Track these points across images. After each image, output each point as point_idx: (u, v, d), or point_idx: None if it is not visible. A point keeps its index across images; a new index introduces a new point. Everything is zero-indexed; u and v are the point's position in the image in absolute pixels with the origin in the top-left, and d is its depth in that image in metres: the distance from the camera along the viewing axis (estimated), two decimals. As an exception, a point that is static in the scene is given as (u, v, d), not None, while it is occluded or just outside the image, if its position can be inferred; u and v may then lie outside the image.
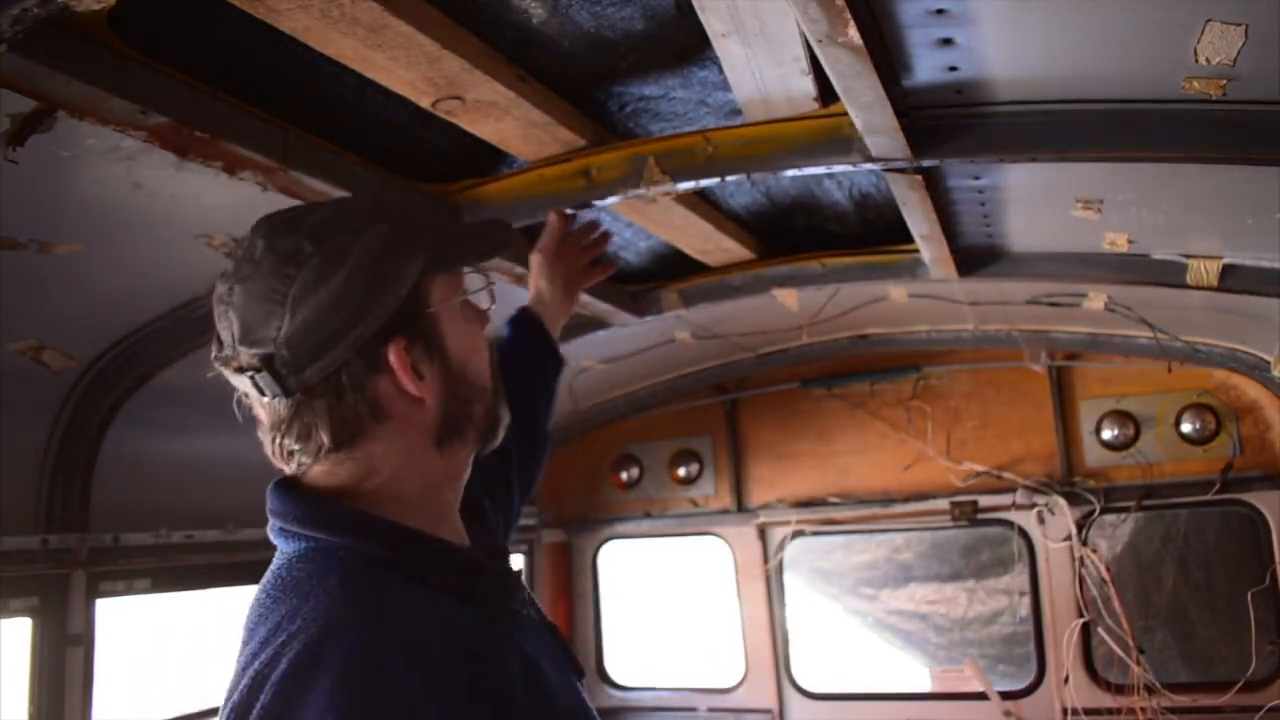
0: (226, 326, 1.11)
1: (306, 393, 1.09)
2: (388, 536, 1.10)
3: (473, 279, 1.29)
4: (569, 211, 2.09)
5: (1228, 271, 2.38)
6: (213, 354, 1.14)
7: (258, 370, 1.08)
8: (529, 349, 1.89)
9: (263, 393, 1.10)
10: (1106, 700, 3.54)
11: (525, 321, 1.93)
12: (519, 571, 1.30)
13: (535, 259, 2.01)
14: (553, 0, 1.54)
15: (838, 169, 1.92)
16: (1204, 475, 3.53)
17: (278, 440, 1.13)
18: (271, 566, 1.13)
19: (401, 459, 1.15)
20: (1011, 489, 3.78)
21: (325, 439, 1.11)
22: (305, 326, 1.07)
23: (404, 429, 1.14)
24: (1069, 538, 3.64)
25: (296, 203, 1.82)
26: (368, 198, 1.24)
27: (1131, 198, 2.08)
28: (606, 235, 2.15)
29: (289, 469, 1.16)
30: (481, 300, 1.28)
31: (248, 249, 1.12)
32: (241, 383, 1.12)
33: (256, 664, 0.99)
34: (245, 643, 1.06)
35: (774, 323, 3.49)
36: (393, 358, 1.10)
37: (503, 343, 1.88)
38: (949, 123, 1.77)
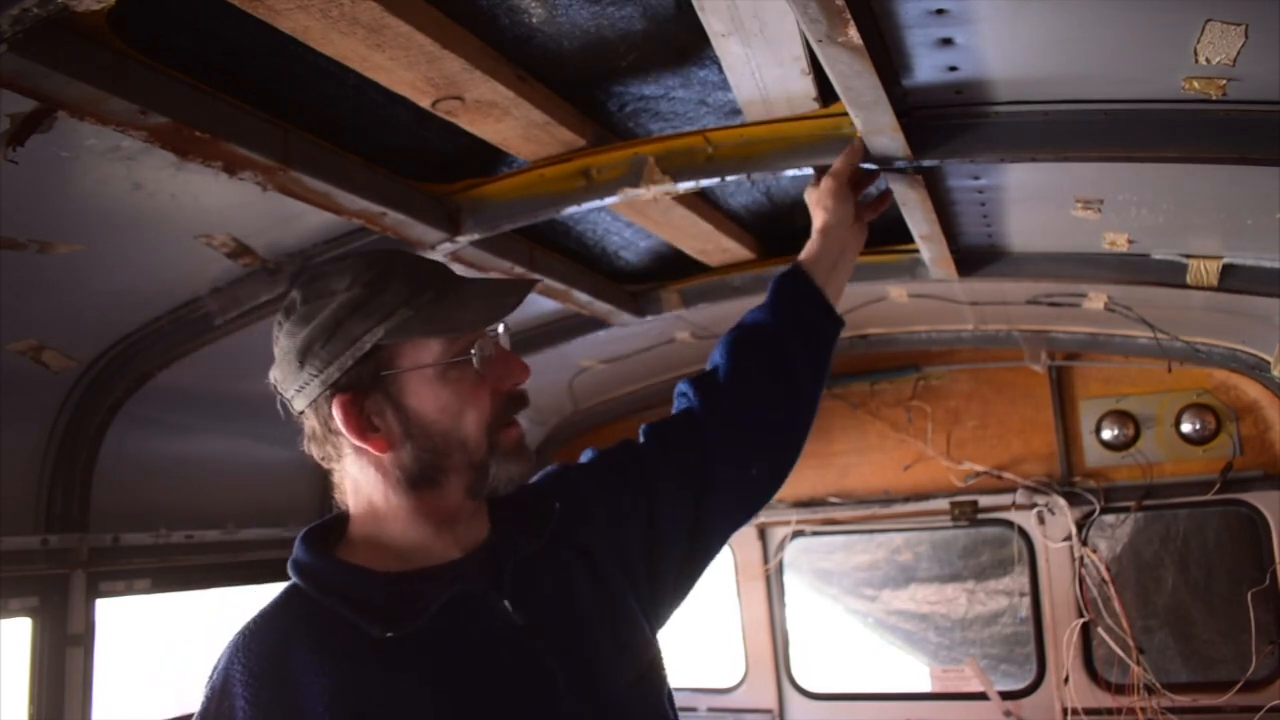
0: None
1: (301, 415, 1.31)
2: (312, 560, 1.29)
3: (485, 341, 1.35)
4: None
5: (1228, 271, 2.37)
6: None
7: (277, 394, 1.33)
8: (790, 312, 1.74)
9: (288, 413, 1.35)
10: (1106, 700, 3.54)
11: (789, 280, 1.77)
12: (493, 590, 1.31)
13: (826, 181, 1.82)
14: (552, 0, 1.54)
15: (838, 169, 1.92)
16: (1204, 475, 3.52)
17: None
18: None
19: (372, 490, 1.31)
20: (1011, 489, 3.78)
21: (316, 454, 1.33)
22: (282, 366, 1.29)
23: (366, 466, 1.30)
24: (1069, 538, 3.64)
25: (296, 203, 1.82)
26: (376, 261, 1.30)
27: (1131, 198, 2.08)
28: (887, 197, 1.97)
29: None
30: (477, 359, 1.32)
31: (287, 290, 1.35)
32: None
33: None
34: None
35: (774, 323, 3.48)
36: (336, 411, 1.25)
37: (758, 310, 1.77)
38: (949, 123, 1.76)
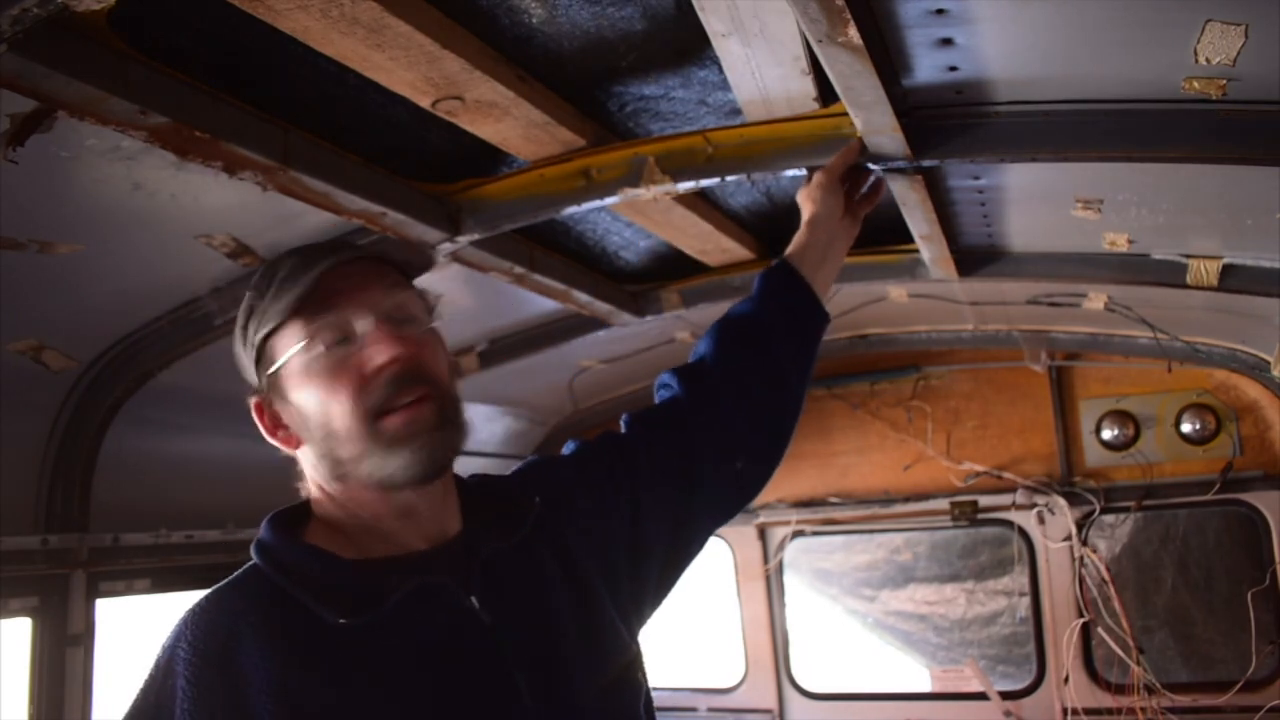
0: None
1: None
2: (269, 538, 1.27)
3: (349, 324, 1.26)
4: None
5: (1228, 271, 2.37)
6: None
7: None
8: (776, 305, 1.73)
9: None
10: (1106, 700, 3.54)
11: (776, 273, 1.76)
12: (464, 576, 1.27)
13: (817, 176, 1.83)
14: (553, 0, 1.54)
15: (838, 169, 1.92)
16: (1204, 475, 3.52)
17: None
18: None
19: (312, 478, 1.31)
20: (1011, 489, 3.78)
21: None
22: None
23: (302, 459, 1.31)
24: (1069, 538, 3.64)
25: (296, 203, 1.82)
26: (273, 261, 1.32)
27: (1131, 198, 2.08)
28: (880, 186, 1.95)
29: None
30: (322, 344, 1.24)
31: None
32: None
33: None
34: None
35: (774, 323, 3.48)
36: (253, 413, 1.30)
37: (745, 303, 1.76)
38: (949, 123, 1.76)
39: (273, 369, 1.26)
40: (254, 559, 1.25)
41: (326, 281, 1.25)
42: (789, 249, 1.81)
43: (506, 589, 1.30)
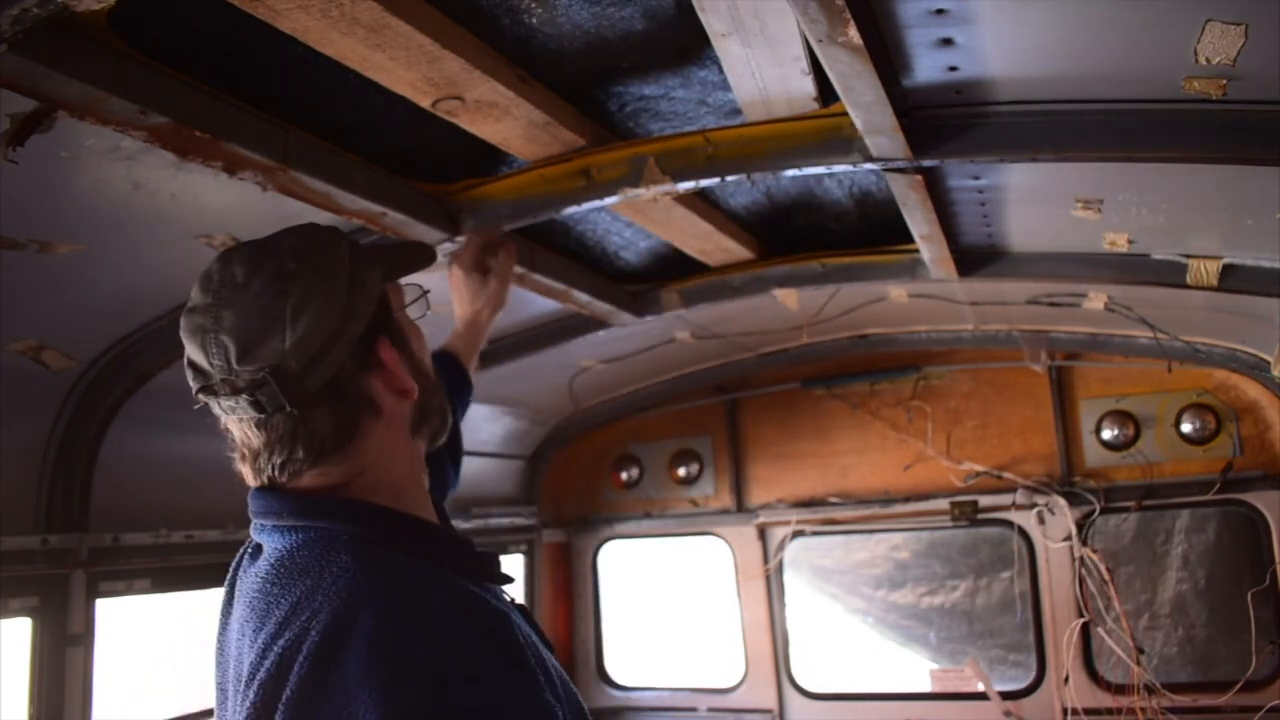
0: (218, 352, 1.14)
1: (306, 401, 1.15)
2: (389, 520, 1.18)
3: (409, 290, 1.38)
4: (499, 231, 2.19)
5: (1228, 271, 2.38)
6: (195, 387, 1.17)
7: (261, 385, 1.13)
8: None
9: (263, 410, 1.14)
10: (1106, 700, 3.54)
11: (442, 357, 2.02)
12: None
13: (455, 271, 2.14)
14: (552, 0, 1.54)
15: (838, 169, 1.92)
16: (1204, 475, 3.53)
17: (269, 458, 1.18)
18: (265, 560, 1.16)
19: (389, 451, 1.23)
20: (1011, 489, 3.78)
21: (328, 443, 1.17)
22: (307, 335, 1.13)
23: (391, 423, 1.23)
24: (1069, 538, 3.64)
25: (296, 203, 1.82)
26: (314, 225, 1.30)
27: (1131, 198, 2.08)
28: (510, 244, 2.24)
29: (279, 480, 1.19)
30: (415, 311, 1.37)
31: (224, 277, 1.17)
32: (236, 406, 1.15)
33: (281, 642, 1.03)
34: (257, 629, 1.09)
35: (774, 323, 3.49)
36: (384, 355, 1.21)
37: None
38: (949, 123, 1.77)
39: (395, 313, 1.27)
40: (373, 540, 1.13)
41: None
42: (449, 344, 2.10)
43: None
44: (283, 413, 1.14)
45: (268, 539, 1.18)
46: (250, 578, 1.17)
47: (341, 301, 1.17)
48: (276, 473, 1.18)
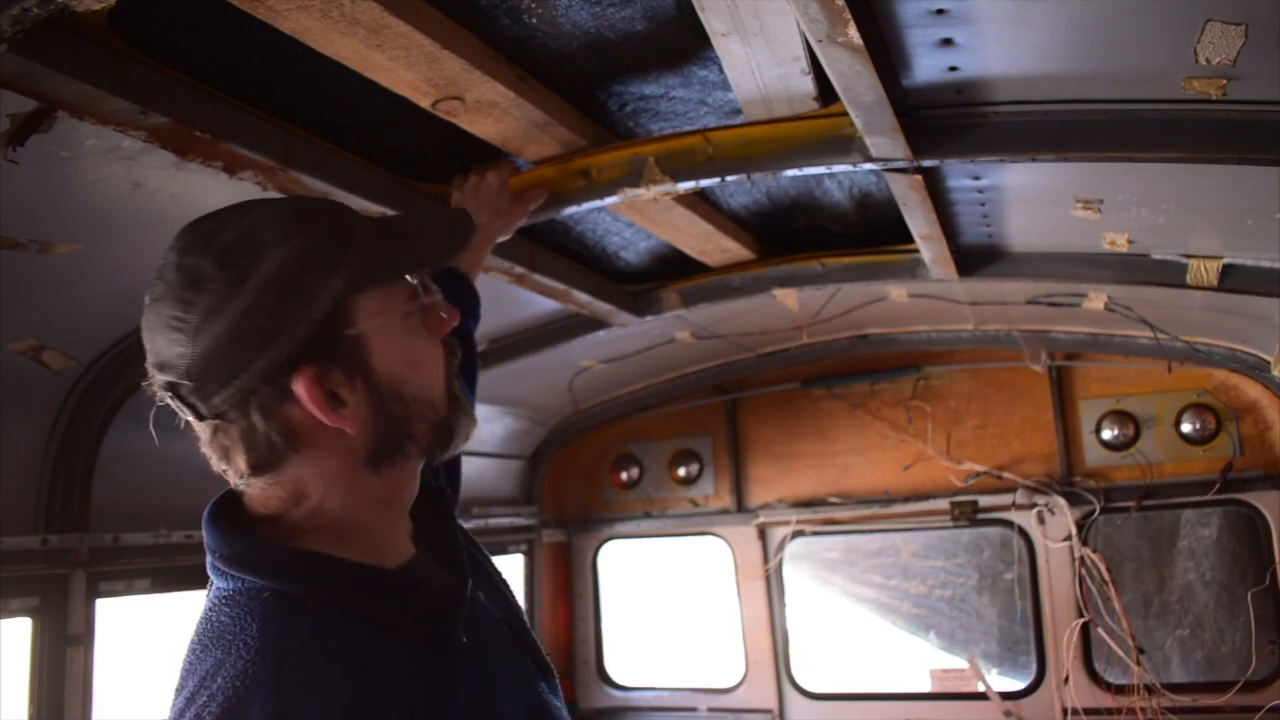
0: (148, 347, 1.07)
1: (219, 418, 1.05)
2: (320, 571, 1.06)
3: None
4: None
5: (1228, 271, 2.38)
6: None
7: (169, 395, 1.06)
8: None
9: (182, 414, 1.08)
10: (1106, 700, 3.54)
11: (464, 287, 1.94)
12: (467, 579, 1.20)
13: (489, 183, 2.03)
14: (552, 0, 1.54)
15: (838, 169, 1.92)
16: (1204, 475, 3.53)
17: (216, 461, 1.10)
18: (204, 606, 1.09)
19: (329, 484, 1.09)
20: (1011, 489, 3.78)
21: (243, 465, 1.06)
22: (207, 354, 1.01)
23: (327, 455, 1.08)
24: (1069, 538, 3.64)
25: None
26: (295, 207, 1.12)
27: (1131, 198, 2.08)
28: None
29: (237, 485, 1.11)
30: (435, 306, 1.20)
31: (162, 265, 1.06)
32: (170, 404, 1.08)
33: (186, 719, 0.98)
34: (179, 690, 1.03)
35: (774, 323, 3.49)
36: (299, 389, 1.02)
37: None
38: (949, 123, 1.77)
39: (352, 330, 1.06)
40: (294, 601, 1.04)
41: None
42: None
43: (481, 579, 1.28)
44: (201, 420, 1.06)
45: (214, 578, 1.10)
46: (196, 623, 1.10)
47: (258, 321, 1.01)
48: (229, 478, 1.11)
